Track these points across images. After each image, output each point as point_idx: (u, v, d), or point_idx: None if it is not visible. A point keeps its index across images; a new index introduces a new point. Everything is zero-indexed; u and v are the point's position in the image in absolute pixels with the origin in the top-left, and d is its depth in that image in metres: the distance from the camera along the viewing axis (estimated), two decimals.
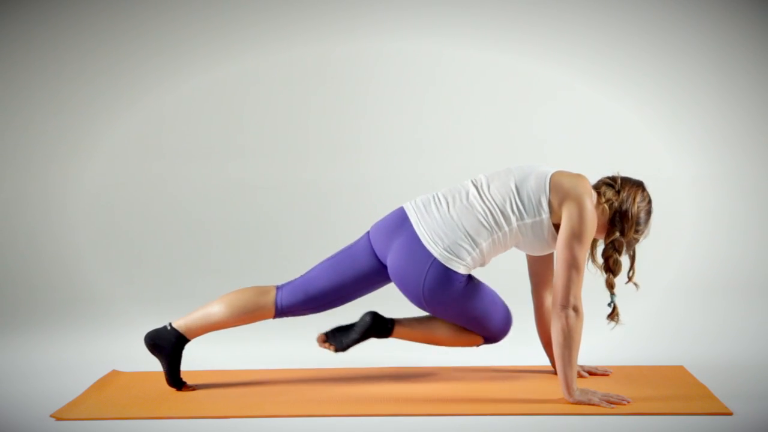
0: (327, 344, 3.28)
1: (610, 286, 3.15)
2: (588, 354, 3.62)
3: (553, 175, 3.16)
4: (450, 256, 3.11)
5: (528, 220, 3.12)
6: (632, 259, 3.21)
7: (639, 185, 3.21)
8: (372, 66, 5.76)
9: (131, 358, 3.74)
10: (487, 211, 3.14)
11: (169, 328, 3.25)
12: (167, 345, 3.23)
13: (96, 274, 5.55)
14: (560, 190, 3.11)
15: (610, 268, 3.15)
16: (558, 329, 2.99)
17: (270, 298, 3.27)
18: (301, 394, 3.22)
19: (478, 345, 3.33)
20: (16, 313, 5.02)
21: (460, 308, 3.19)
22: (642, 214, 3.16)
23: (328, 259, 3.34)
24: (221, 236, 5.69)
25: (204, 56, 5.73)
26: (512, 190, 3.15)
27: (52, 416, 2.97)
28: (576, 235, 3.03)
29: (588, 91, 5.71)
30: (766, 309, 4.73)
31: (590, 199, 3.10)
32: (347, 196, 5.72)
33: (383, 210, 5.78)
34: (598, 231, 3.17)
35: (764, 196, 5.60)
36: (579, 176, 3.18)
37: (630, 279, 3.20)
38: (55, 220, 5.70)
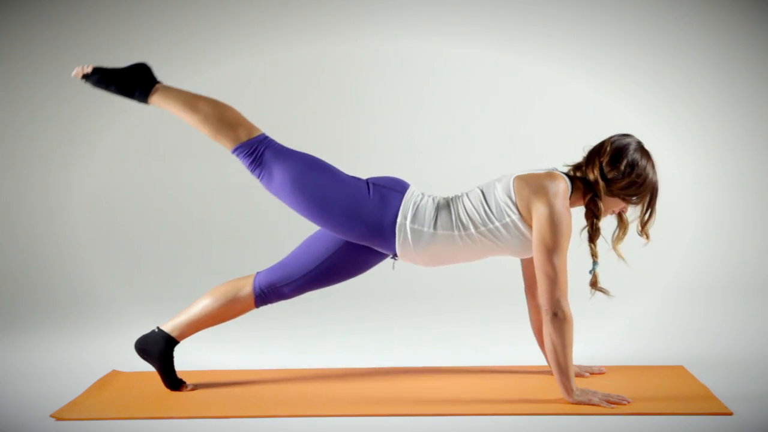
0: (85, 71, 3.18)
1: (592, 254, 3.11)
2: (588, 354, 3.62)
3: (517, 176, 3.10)
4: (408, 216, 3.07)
5: (496, 224, 3.05)
6: (646, 211, 3.11)
7: (603, 141, 3.13)
8: (370, 65, 5.76)
9: (131, 358, 3.73)
10: (458, 210, 3.10)
11: (156, 331, 3.25)
12: (156, 348, 3.22)
13: (96, 274, 5.55)
14: (524, 190, 3.05)
15: (588, 234, 3.11)
16: (546, 335, 2.99)
17: (249, 281, 3.24)
18: (301, 394, 3.22)
19: (231, 146, 3.20)
20: (16, 313, 5.02)
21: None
22: (611, 165, 3.06)
23: (306, 239, 3.31)
24: (221, 236, 5.69)
25: (204, 56, 5.73)
26: (480, 195, 3.10)
27: (52, 416, 2.97)
28: (544, 240, 2.99)
29: (587, 91, 5.71)
30: (766, 309, 4.73)
31: (558, 195, 3.03)
32: None
33: None
34: (581, 203, 3.12)
35: (764, 196, 5.60)
36: (546, 174, 3.11)
37: (643, 230, 3.12)
38: (55, 220, 5.70)
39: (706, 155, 5.66)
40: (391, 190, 3.13)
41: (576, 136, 5.73)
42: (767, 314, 4.63)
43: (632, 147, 3.10)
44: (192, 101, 3.19)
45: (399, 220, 3.07)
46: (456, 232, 3.07)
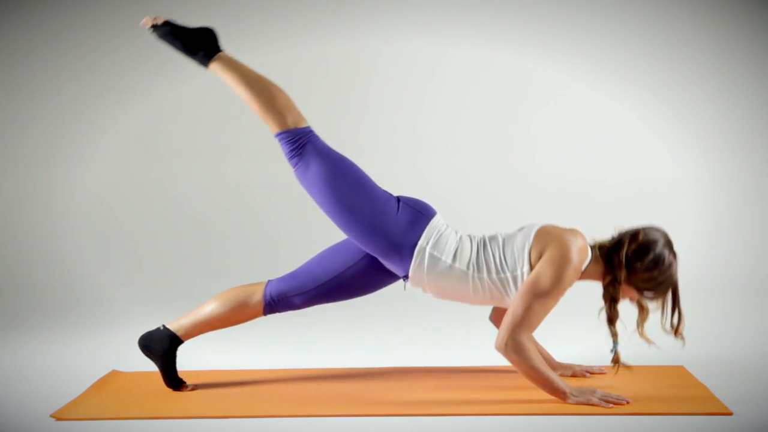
0: (155, 21, 3.18)
1: (612, 334, 3.10)
2: (588, 354, 3.62)
3: (542, 227, 3.10)
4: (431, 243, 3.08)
5: (507, 275, 3.05)
6: (673, 313, 3.09)
7: (638, 230, 3.11)
8: (371, 66, 5.76)
9: (131, 358, 3.74)
10: (478, 250, 3.09)
11: (162, 329, 3.25)
12: (159, 346, 3.22)
13: (96, 274, 5.55)
14: (544, 238, 3.04)
15: (608, 315, 3.08)
16: (512, 364, 3.00)
17: (260, 288, 3.25)
18: (301, 394, 3.22)
19: (276, 129, 3.19)
20: (16, 313, 5.02)
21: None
22: (637, 255, 3.04)
23: (321, 252, 3.31)
24: (221, 236, 5.69)
25: None
26: (500, 242, 3.10)
27: (52, 416, 2.97)
28: (540, 279, 2.98)
29: (587, 91, 5.71)
30: (766, 309, 4.73)
31: (576, 249, 3.01)
32: None
33: None
34: (594, 278, 3.10)
35: (764, 196, 5.60)
36: (571, 230, 3.10)
37: (675, 332, 3.10)
38: (55, 220, 5.70)
39: (706, 155, 5.65)
40: (418, 213, 3.13)
41: (577, 136, 5.76)
42: (767, 314, 4.63)
43: (661, 243, 3.09)
44: (250, 76, 3.21)
45: (421, 242, 3.07)
46: (470, 271, 3.07)
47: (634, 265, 3.04)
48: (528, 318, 2.97)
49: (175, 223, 5.71)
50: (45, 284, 5.45)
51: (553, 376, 2.99)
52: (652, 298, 3.08)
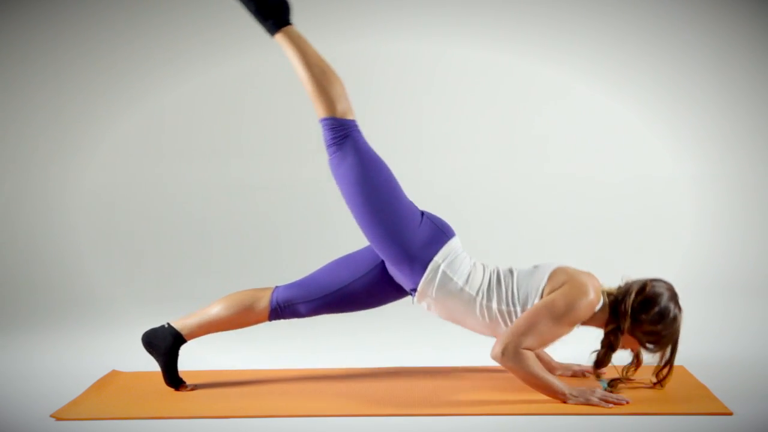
0: None
1: (596, 375, 3.11)
2: (588, 354, 3.62)
3: (559, 267, 3.11)
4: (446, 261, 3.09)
5: (517, 308, 3.06)
6: (665, 366, 3.12)
7: (645, 282, 3.10)
8: (372, 66, 5.75)
9: (131, 358, 3.74)
10: (490, 279, 3.10)
11: (166, 326, 3.25)
12: (163, 344, 3.23)
13: (96, 274, 5.55)
14: (561, 276, 3.06)
15: (597, 359, 3.09)
16: (509, 370, 3.01)
17: (267, 293, 3.25)
18: (301, 394, 3.22)
19: (323, 114, 3.18)
20: (16, 313, 5.02)
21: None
22: (642, 307, 3.03)
23: (328, 263, 3.32)
24: (221, 236, 5.69)
25: (204, 56, 5.73)
26: (513, 275, 3.11)
27: (52, 416, 2.97)
28: (554, 303, 2.99)
29: (588, 91, 5.71)
30: (766, 309, 4.73)
31: (592, 289, 3.02)
32: None
33: None
34: (598, 325, 3.11)
35: (764, 196, 5.60)
36: (588, 273, 3.11)
37: (659, 383, 3.15)
38: (55, 220, 5.70)
39: (706, 155, 5.66)
40: (439, 230, 3.13)
41: (577, 136, 5.76)
42: (767, 314, 4.63)
43: (666, 296, 3.07)
44: (312, 56, 3.19)
45: (436, 259, 3.08)
46: (479, 298, 3.08)
47: (639, 317, 3.05)
48: (531, 332, 2.98)
49: (175, 223, 5.71)
50: (45, 284, 5.45)
51: (552, 378, 2.99)
52: (652, 351, 3.10)
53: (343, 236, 5.69)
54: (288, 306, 3.24)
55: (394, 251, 3.09)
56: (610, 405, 2.94)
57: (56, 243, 5.66)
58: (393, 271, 3.16)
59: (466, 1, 5.69)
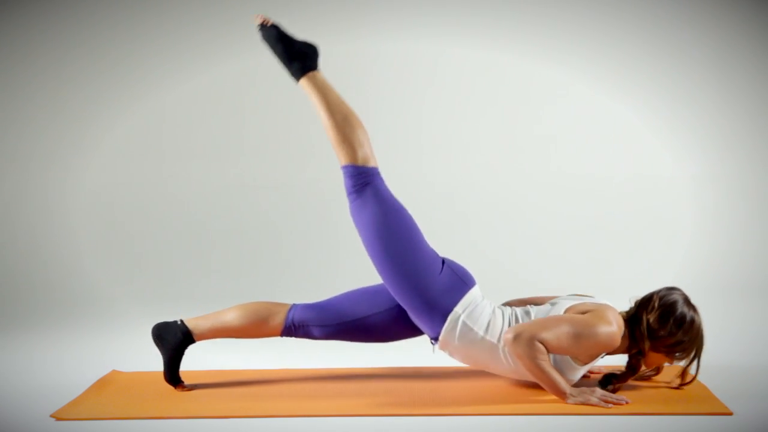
0: (265, 21, 3.19)
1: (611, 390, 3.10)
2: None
3: (575, 303, 3.10)
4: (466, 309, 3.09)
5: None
6: (690, 364, 3.12)
7: (652, 295, 3.11)
8: (372, 65, 5.76)
9: (131, 358, 3.74)
10: (510, 325, 3.10)
11: (179, 323, 3.26)
12: (172, 339, 3.23)
13: (96, 274, 5.55)
14: (581, 308, 3.07)
15: (614, 380, 3.10)
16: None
17: (283, 310, 3.26)
18: (301, 394, 3.22)
19: (345, 161, 3.17)
20: (16, 313, 5.02)
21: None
22: (659, 324, 3.04)
23: (349, 291, 3.32)
24: (221, 236, 5.69)
25: (204, 56, 5.73)
26: (531, 319, 3.11)
27: (52, 416, 2.97)
28: (585, 321, 2.98)
29: (588, 91, 5.71)
30: (766, 309, 4.73)
31: (615, 322, 3.00)
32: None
33: None
34: (622, 351, 3.11)
35: (764, 196, 5.60)
36: (606, 305, 3.09)
37: (683, 383, 3.15)
38: (55, 220, 5.70)
39: (706, 155, 5.65)
40: (460, 279, 3.12)
41: (577, 136, 5.76)
42: (767, 314, 4.63)
43: (680, 303, 3.09)
44: (335, 104, 3.20)
45: (456, 309, 3.08)
46: (501, 344, 3.07)
47: (658, 334, 3.06)
48: (550, 329, 2.97)
49: (175, 222, 5.71)
50: (45, 284, 5.45)
51: (556, 375, 2.99)
52: (680, 359, 3.11)
53: (343, 236, 5.70)
54: (302, 326, 3.26)
55: (414, 300, 3.10)
56: (610, 405, 2.94)
57: (56, 243, 5.66)
58: (413, 317, 3.16)
59: (466, 1, 5.69)
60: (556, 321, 3.00)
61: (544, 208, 5.68)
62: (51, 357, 3.95)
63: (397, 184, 5.71)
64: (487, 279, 4.68)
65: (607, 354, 3.11)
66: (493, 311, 3.12)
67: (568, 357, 3.02)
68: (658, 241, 5.56)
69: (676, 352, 3.09)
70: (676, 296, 3.10)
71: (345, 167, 3.17)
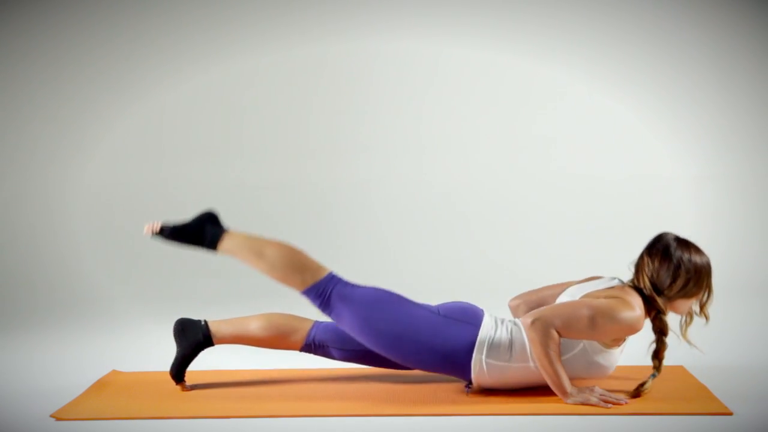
0: (154, 229, 3.20)
1: (654, 367, 3.10)
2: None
3: (585, 294, 3.08)
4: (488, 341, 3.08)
5: (568, 355, 3.04)
6: (704, 293, 3.14)
7: (641, 257, 3.11)
8: (372, 65, 5.76)
9: (131, 358, 3.74)
10: None
11: (203, 323, 3.26)
12: (192, 337, 3.23)
13: (96, 274, 5.55)
14: (596, 295, 3.06)
15: (656, 348, 3.10)
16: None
17: (306, 326, 3.27)
18: (301, 394, 3.22)
19: (299, 290, 3.18)
20: (16, 313, 5.02)
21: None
22: (661, 279, 3.05)
23: None
24: None
25: (204, 56, 5.73)
26: None
27: (52, 416, 2.97)
28: (601, 308, 2.96)
29: (588, 91, 5.71)
30: (766, 309, 4.73)
31: (639, 307, 3.00)
32: (347, 196, 5.71)
33: (383, 210, 5.83)
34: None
35: (764, 196, 5.60)
36: (620, 287, 3.08)
37: (702, 311, 3.17)
38: (55, 220, 5.70)
39: (706, 155, 5.65)
40: (465, 323, 3.10)
41: (577, 136, 5.76)
42: (767, 314, 4.63)
43: (672, 247, 3.09)
44: (258, 249, 3.21)
45: (474, 356, 3.07)
46: (531, 364, 3.06)
47: (668, 288, 3.06)
48: (570, 317, 2.96)
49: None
50: (45, 284, 5.45)
51: (562, 372, 2.98)
52: (698, 293, 3.11)
53: (343, 236, 5.70)
54: (322, 346, 3.28)
55: (433, 365, 3.11)
56: (609, 405, 2.94)
57: (56, 243, 5.66)
58: (443, 374, 3.17)
59: (466, 1, 5.69)
60: (574, 307, 2.98)
61: (544, 208, 5.68)
62: (51, 357, 3.95)
63: (397, 184, 5.74)
64: (487, 279, 4.70)
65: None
66: (511, 332, 3.10)
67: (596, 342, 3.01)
68: None
69: (690, 295, 3.08)
70: (664, 242, 3.09)
71: (304, 293, 3.18)
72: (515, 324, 3.12)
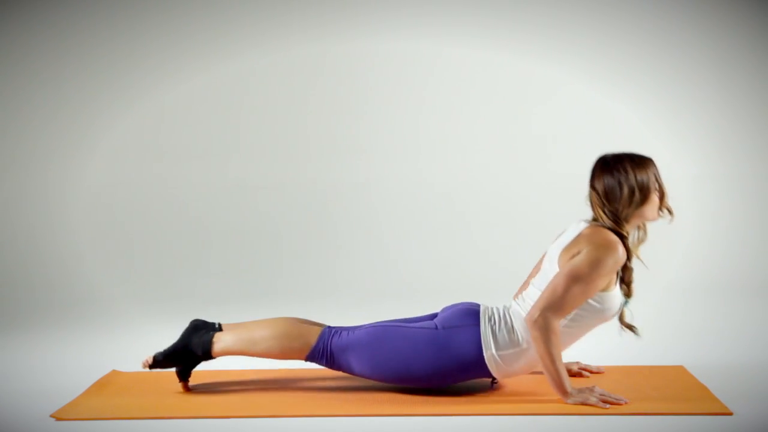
0: (149, 363, 3.19)
1: (624, 294, 3.11)
2: (588, 354, 3.62)
3: (563, 249, 3.07)
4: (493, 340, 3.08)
5: (572, 313, 3.04)
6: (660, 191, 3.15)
7: (588, 193, 3.12)
8: (371, 65, 5.75)
9: (131, 358, 3.74)
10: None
11: (211, 333, 3.22)
12: (200, 345, 3.20)
13: (96, 274, 5.55)
14: (573, 249, 3.05)
15: (621, 274, 3.09)
16: (532, 341, 3.01)
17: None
18: (301, 394, 3.22)
19: (303, 359, 3.20)
20: (16, 313, 5.02)
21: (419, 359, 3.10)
22: (602, 196, 3.05)
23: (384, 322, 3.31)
24: (221, 236, 5.69)
25: (204, 56, 5.73)
26: (541, 289, 3.10)
27: (52, 416, 2.98)
28: (577, 266, 2.97)
29: (587, 90, 5.71)
30: (766, 309, 4.73)
31: (618, 244, 3.00)
32: (347, 196, 5.72)
33: (383, 210, 5.83)
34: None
35: (764, 196, 5.60)
36: (593, 229, 3.07)
37: (662, 206, 3.18)
38: (55, 220, 5.70)
39: (706, 155, 5.65)
40: (464, 327, 3.11)
41: (577, 136, 5.76)
42: (767, 314, 4.63)
43: (607, 163, 3.08)
44: (249, 338, 3.19)
45: (485, 354, 3.07)
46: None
47: (621, 206, 3.05)
48: (564, 300, 2.97)
49: (175, 222, 5.71)
50: (45, 284, 5.45)
51: (563, 371, 2.99)
52: (650, 197, 3.11)
53: (343, 236, 5.70)
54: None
55: (452, 376, 3.11)
56: (608, 406, 2.94)
57: (56, 243, 5.66)
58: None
59: (466, 1, 5.69)
60: (559, 286, 2.97)
61: (543, 208, 5.67)
62: (51, 357, 3.95)
63: (396, 184, 5.74)
64: (487, 279, 4.70)
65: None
66: (508, 317, 3.11)
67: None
68: (658, 242, 5.55)
69: (640, 199, 3.07)
70: (597, 164, 3.09)
71: (307, 361, 3.18)
72: (509, 308, 3.13)
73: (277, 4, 5.75)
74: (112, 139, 5.77)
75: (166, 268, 5.58)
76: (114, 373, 3.53)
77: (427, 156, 5.73)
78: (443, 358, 3.08)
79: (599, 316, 3.07)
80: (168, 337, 3.38)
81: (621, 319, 3.15)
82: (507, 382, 3.29)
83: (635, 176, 3.07)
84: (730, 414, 2.87)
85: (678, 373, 3.40)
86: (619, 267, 3.04)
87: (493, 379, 3.16)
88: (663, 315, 4.63)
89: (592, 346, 3.73)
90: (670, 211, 3.21)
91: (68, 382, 3.42)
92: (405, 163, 5.73)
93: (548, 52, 5.68)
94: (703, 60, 5.65)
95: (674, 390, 3.16)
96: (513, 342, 3.07)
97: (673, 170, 5.65)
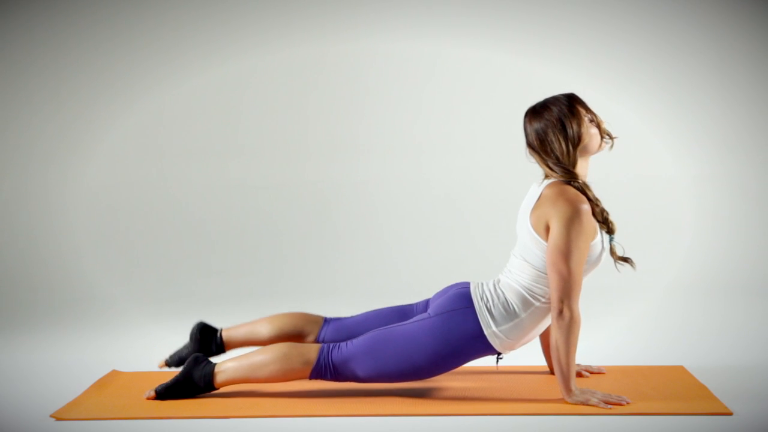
0: (153, 397, 3.16)
1: (607, 231, 3.15)
2: (588, 354, 3.62)
3: (531, 213, 3.10)
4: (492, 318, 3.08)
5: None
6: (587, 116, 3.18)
7: (527, 145, 3.22)
8: (371, 65, 5.76)
9: (131, 358, 3.74)
10: (524, 285, 3.08)
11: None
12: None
13: (96, 274, 5.55)
14: (540, 213, 3.07)
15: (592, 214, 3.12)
16: (552, 332, 3.00)
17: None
18: (301, 394, 3.22)
19: (306, 378, 3.18)
20: (16, 313, 5.02)
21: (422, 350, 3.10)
22: (539, 148, 3.18)
23: (379, 309, 3.33)
24: (221, 236, 5.70)
25: (204, 56, 5.73)
26: (524, 263, 3.10)
27: (52, 416, 2.98)
28: (557, 243, 2.98)
29: (587, 91, 5.69)
30: (766, 309, 4.73)
31: (571, 199, 3.04)
32: (347, 196, 5.72)
33: (383, 210, 5.83)
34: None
35: (764, 196, 5.60)
36: (552, 190, 3.10)
37: (601, 131, 3.26)
38: (55, 220, 5.70)
39: (706, 155, 5.66)
40: (458, 310, 3.10)
41: None
42: (767, 314, 4.63)
43: (533, 117, 3.23)
44: (249, 365, 3.16)
45: (486, 332, 3.06)
46: (537, 303, 3.07)
47: (556, 153, 3.16)
48: (573, 279, 2.96)
49: (175, 222, 5.71)
50: (45, 284, 5.45)
51: (573, 368, 2.98)
52: (583, 128, 3.19)
53: (343, 236, 5.70)
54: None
55: (457, 362, 3.10)
56: (609, 407, 2.94)
57: (56, 243, 5.66)
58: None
59: (466, 1, 5.69)
60: (562, 271, 2.96)
61: None
62: (51, 357, 3.95)
63: (396, 184, 5.74)
64: (487, 279, 4.68)
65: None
66: (499, 290, 3.11)
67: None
68: (658, 242, 5.56)
69: (574, 133, 3.16)
70: (525, 120, 3.26)
71: (311, 379, 3.16)
72: (498, 282, 3.13)
73: (277, 4, 5.75)
74: (112, 139, 5.77)
75: (166, 268, 5.58)
76: (114, 373, 3.53)
77: (427, 156, 5.74)
78: (445, 345, 3.07)
79: (592, 265, 3.08)
80: (167, 337, 3.39)
81: (613, 255, 3.15)
82: (507, 382, 3.29)
83: (561, 113, 3.18)
84: (730, 414, 2.87)
85: (678, 373, 3.40)
86: (591, 216, 3.06)
87: (499, 354, 3.15)
88: (663, 315, 4.63)
89: (593, 346, 3.73)
90: (609, 136, 3.26)
91: (68, 382, 3.42)
92: (405, 163, 5.73)
93: (548, 52, 5.68)
94: (703, 60, 5.65)
95: (674, 390, 3.16)
96: (510, 314, 3.07)
97: (673, 170, 5.68)
